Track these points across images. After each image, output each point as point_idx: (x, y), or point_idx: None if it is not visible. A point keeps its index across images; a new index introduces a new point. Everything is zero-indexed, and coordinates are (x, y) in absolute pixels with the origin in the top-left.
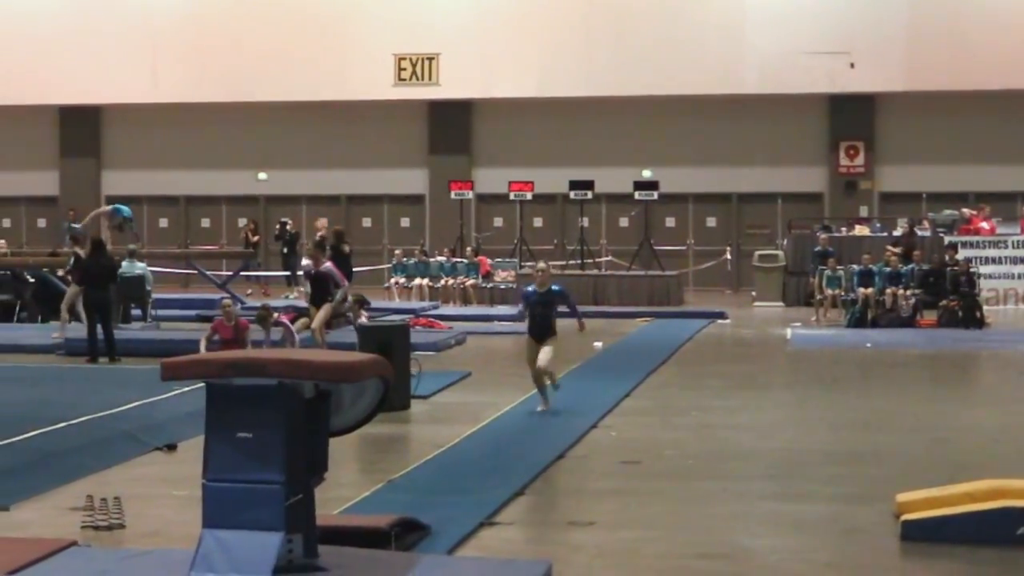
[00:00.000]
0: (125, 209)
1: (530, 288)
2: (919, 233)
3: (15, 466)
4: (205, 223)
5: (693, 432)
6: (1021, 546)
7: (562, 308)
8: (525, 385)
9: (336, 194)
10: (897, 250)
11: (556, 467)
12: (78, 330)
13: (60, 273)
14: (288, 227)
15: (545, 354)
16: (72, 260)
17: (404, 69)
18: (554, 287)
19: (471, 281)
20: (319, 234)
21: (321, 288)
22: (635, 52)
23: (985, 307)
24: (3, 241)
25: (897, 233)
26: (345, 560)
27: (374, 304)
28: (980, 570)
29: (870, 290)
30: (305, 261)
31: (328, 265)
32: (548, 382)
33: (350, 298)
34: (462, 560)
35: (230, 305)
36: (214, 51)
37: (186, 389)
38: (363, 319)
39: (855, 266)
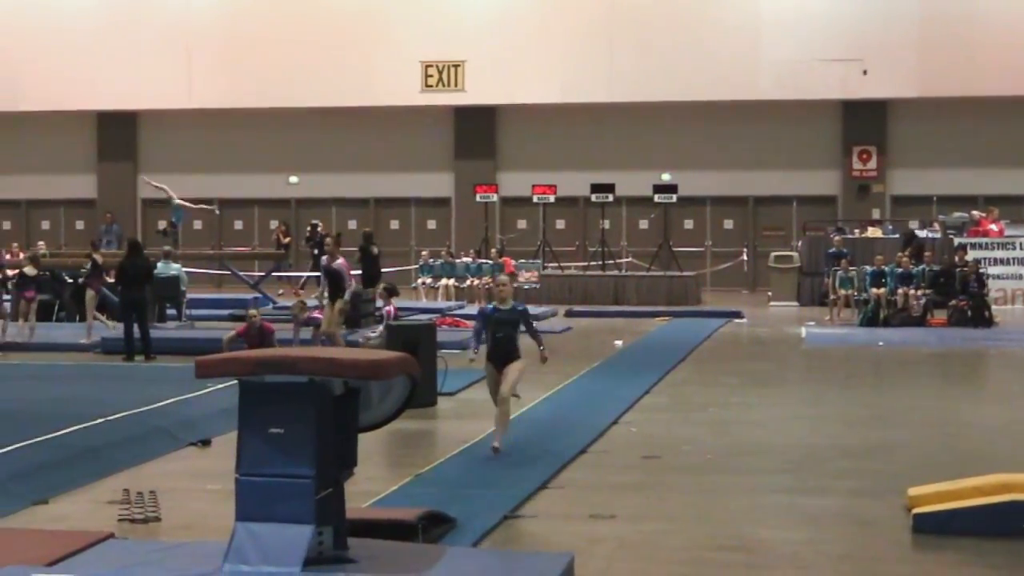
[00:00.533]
0: (176, 215)
1: (490, 306)
2: (919, 235)
3: (54, 461)
4: (238, 225)
5: (710, 428)
6: None
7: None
8: (548, 382)
9: (365, 197)
10: (906, 255)
11: (578, 462)
12: (99, 329)
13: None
14: (319, 229)
15: (512, 376)
16: (89, 265)
17: (431, 76)
18: (518, 305)
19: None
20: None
21: (335, 284)
22: (655, 60)
23: (993, 307)
24: (42, 243)
25: (906, 236)
26: (373, 552)
27: (402, 304)
28: (989, 561)
29: (882, 290)
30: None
31: (340, 262)
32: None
33: (380, 287)
34: (487, 552)
35: (256, 316)
36: (247, 59)
37: (219, 386)
38: (391, 308)
39: (868, 267)
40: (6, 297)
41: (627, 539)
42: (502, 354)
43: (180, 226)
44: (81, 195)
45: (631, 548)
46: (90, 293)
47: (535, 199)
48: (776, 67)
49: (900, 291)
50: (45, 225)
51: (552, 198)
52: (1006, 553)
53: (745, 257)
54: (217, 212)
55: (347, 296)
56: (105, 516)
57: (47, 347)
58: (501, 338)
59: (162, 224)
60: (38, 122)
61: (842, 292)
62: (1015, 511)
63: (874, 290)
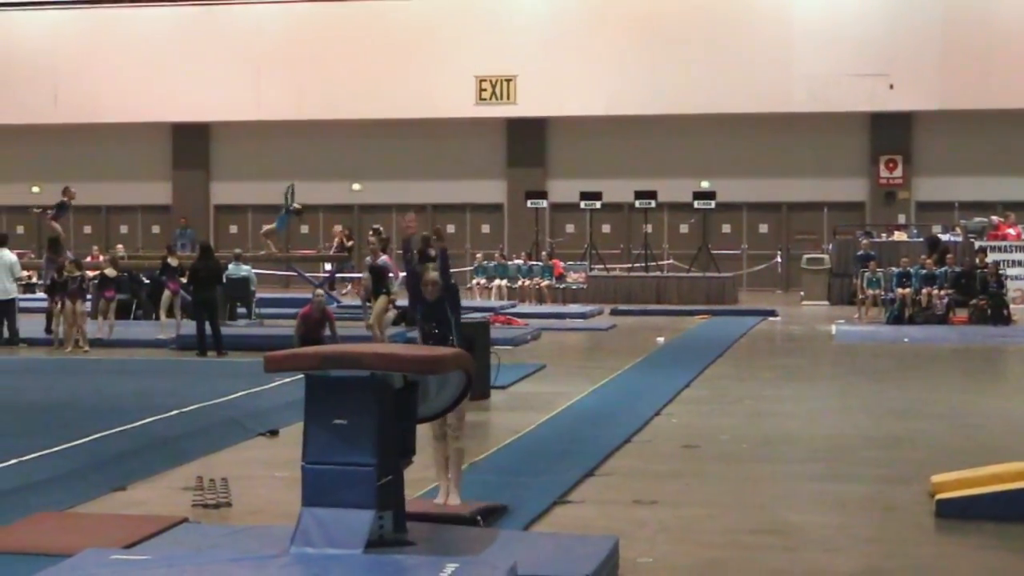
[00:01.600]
0: (284, 219)
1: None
2: (943, 239)
3: (133, 450)
4: (304, 229)
5: (746, 419)
6: None
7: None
8: (594, 376)
9: (423, 203)
10: (930, 259)
11: (622, 451)
12: (170, 327)
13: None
14: (380, 232)
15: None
16: (161, 267)
17: (485, 90)
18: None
19: (545, 282)
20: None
21: (378, 281)
22: (695, 74)
23: (1012, 306)
24: (121, 246)
25: (929, 239)
26: (431, 535)
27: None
28: (1008, 544)
29: (907, 290)
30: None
31: (384, 259)
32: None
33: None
34: (537, 535)
35: (321, 296)
36: (312, 73)
37: (287, 380)
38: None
39: (894, 268)
40: (88, 297)
41: (668, 523)
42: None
43: (284, 232)
44: (157, 201)
45: (672, 532)
46: (167, 293)
47: (582, 205)
48: (808, 81)
49: (924, 291)
50: (124, 229)
51: (598, 204)
52: (1023, 537)
53: (779, 259)
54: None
55: (394, 288)
56: (180, 502)
57: (125, 343)
58: (430, 337)
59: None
60: (117, 133)
61: (870, 292)
62: None
63: (900, 290)
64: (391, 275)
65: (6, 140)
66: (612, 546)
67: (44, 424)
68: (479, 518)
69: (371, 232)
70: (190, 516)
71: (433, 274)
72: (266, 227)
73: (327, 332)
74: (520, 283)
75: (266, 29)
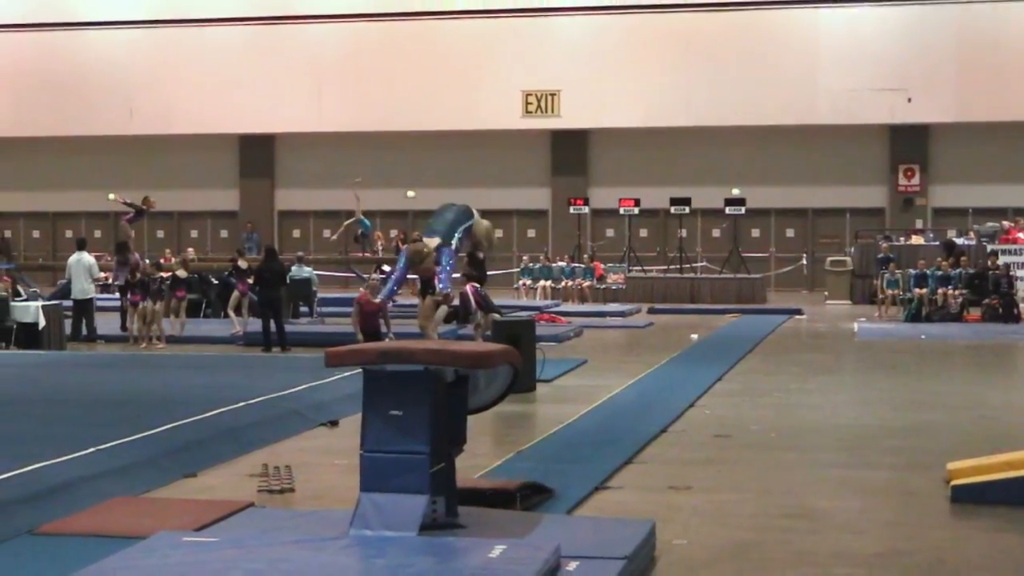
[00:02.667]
0: (367, 223)
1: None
2: (958, 243)
3: (202, 439)
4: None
5: (774, 411)
6: None
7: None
8: (633, 370)
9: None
10: (947, 262)
11: (659, 440)
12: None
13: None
14: None
15: None
16: (231, 268)
17: (530, 103)
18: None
19: (587, 283)
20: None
21: (426, 282)
22: (726, 88)
23: (1022, 305)
24: (191, 249)
25: (945, 243)
26: (481, 519)
27: (505, 302)
28: (1019, 527)
29: (924, 290)
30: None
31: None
32: None
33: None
34: (579, 519)
35: (375, 282)
36: (370, 88)
37: (346, 374)
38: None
39: (912, 270)
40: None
41: (701, 508)
42: None
43: (370, 235)
44: (225, 207)
45: (705, 515)
46: (236, 293)
47: (621, 211)
48: (832, 95)
49: (940, 291)
50: (194, 234)
51: (636, 210)
52: None
53: (804, 261)
54: (359, 180)
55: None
56: (246, 487)
57: (195, 339)
58: None
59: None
60: (188, 144)
61: (889, 292)
62: None
63: (917, 290)
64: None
65: (85, 151)
66: (649, 529)
67: (120, 415)
68: (522, 494)
69: (416, 235)
70: (256, 501)
71: (375, 275)
72: (347, 222)
73: (383, 326)
74: (563, 284)
75: (328, 46)
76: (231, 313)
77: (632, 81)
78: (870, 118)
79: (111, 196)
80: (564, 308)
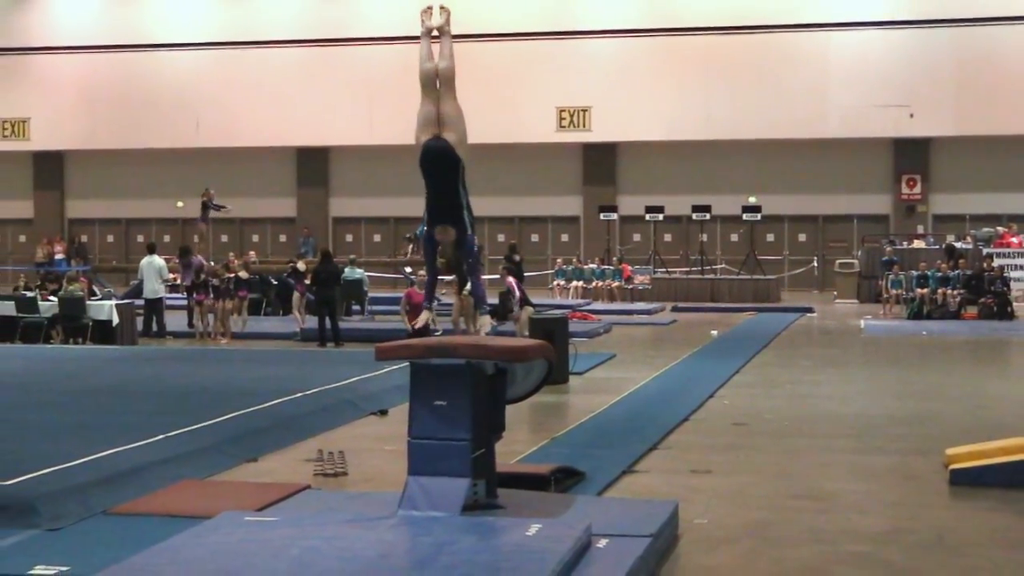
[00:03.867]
0: (420, 231)
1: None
2: (960, 246)
3: (262, 427)
4: (409, 238)
5: (788, 401)
6: None
7: None
8: (657, 364)
9: (511, 216)
10: (947, 264)
11: (681, 428)
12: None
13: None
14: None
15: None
16: (290, 270)
17: (564, 119)
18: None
19: (616, 283)
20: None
21: (463, 279)
22: (743, 104)
23: (1015, 303)
24: (252, 252)
25: (944, 247)
26: (518, 500)
27: (540, 301)
28: (1013, 508)
29: (925, 290)
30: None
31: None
32: None
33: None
34: (608, 500)
35: (423, 276)
36: (416, 104)
37: (395, 367)
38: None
39: (914, 271)
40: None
41: (720, 489)
42: None
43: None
44: (283, 214)
45: (724, 497)
46: (296, 294)
47: (647, 217)
48: (841, 111)
49: (940, 291)
50: (255, 238)
51: (661, 216)
52: None
53: (815, 264)
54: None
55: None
56: (303, 471)
57: (256, 335)
58: None
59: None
60: (250, 155)
61: (893, 292)
62: None
63: (919, 290)
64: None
65: (155, 162)
66: (673, 509)
67: (188, 405)
68: (555, 477)
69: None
70: (312, 484)
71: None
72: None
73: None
74: (594, 284)
75: (378, 66)
76: (296, 312)
77: (657, 98)
78: (875, 132)
79: (179, 203)
80: (595, 307)
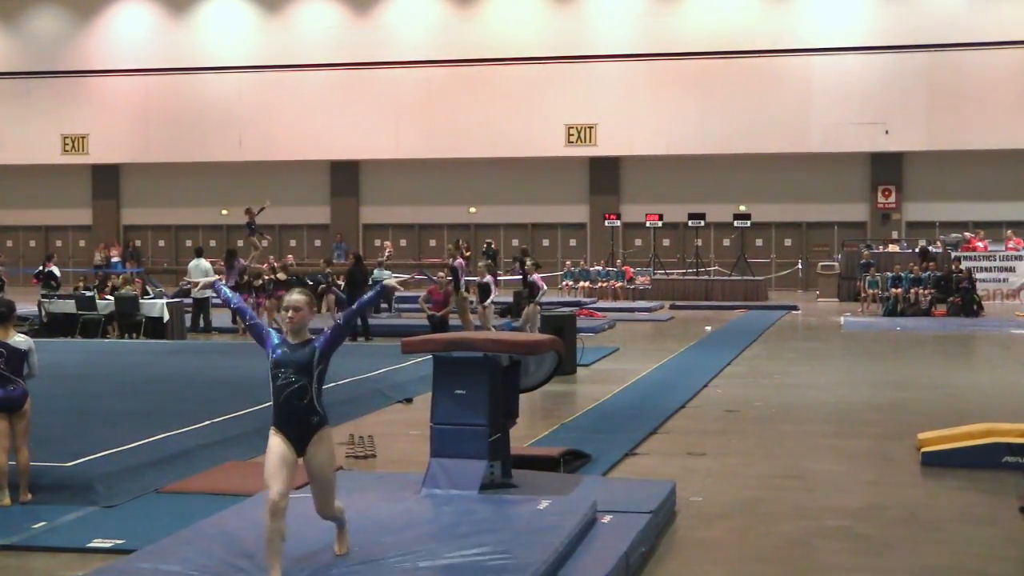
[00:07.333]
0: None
1: (276, 338)
2: (931, 250)
3: None
4: (432, 243)
5: (775, 390)
6: (1005, 470)
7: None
8: (657, 356)
9: (524, 223)
10: (919, 267)
11: (679, 414)
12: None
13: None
14: (491, 246)
15: (323, 483)
16: (326, 277)
17: (572, 135)
18: (316, 341)
19: (619, 284)
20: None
21: (456, 279)
22: (735, 121)
23: (982, 301)
24: (290, 256)
25: (917, 251)
26: (531, 480)
27: (550, 300)
28: (978, 486)
29: (899, 290)
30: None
31: (458, 262)
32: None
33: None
34: (613, 480)
35: (444, 280)
36: (439, 121)
37: (419, 360)
38: (488, 279)
39: (889, 273)
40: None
41: (714, 470)
42: (294, 421)
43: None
44: (318, 221)
45: (717, 476)
46: (330, 296)
47: (647, 224)
48: (823, 128)
49: (912, 291)
50: (292, 243)
51: (660, 223)
52: (990, 480)
53: (799, 266)
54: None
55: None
56: (336, 454)
57: None
58: (288, 392)
59: (457, 239)
60: (288, 168)
61: (870, 291)
62: (996, 450)
63: (893, 290)
64: (461, 277)
65: (201, 174)
66: (671, 488)
67: (232, 393)
68: (564, 459)
69: (452, 244)
70: (344, 465)
71: (298, 295)
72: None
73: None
74: (599, 284)
75: (404, 87)
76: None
77: (657, 116)
78: (854, 147)
79: (223, 211)
80: (600, 305)
